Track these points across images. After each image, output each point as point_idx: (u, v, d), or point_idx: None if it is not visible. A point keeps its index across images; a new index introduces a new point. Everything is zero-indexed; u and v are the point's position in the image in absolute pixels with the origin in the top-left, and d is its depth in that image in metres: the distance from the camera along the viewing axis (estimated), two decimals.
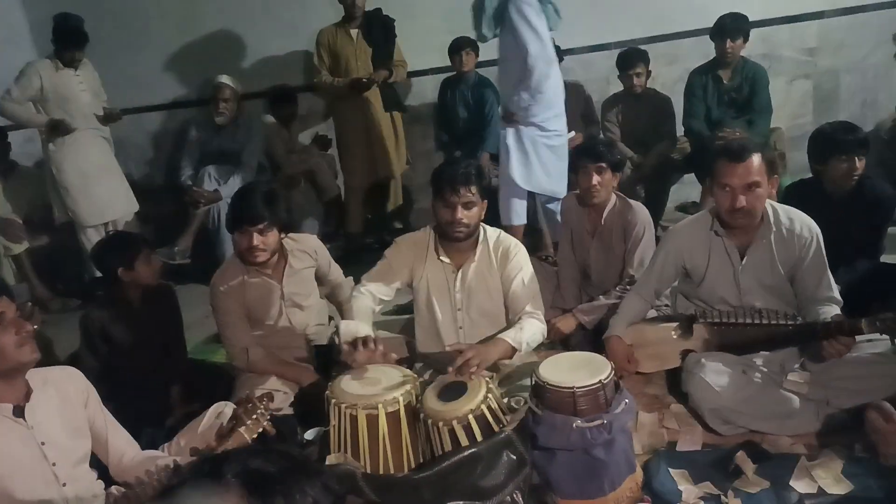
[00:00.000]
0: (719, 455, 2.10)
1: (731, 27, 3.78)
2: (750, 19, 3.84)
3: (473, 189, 2.28)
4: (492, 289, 2.42)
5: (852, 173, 2.65)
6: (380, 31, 4.22)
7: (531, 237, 3.57)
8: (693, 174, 4.12)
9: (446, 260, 2.41)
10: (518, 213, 3.46)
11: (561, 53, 3.90)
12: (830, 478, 1.91)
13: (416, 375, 2.12)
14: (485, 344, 2.22)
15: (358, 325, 2.24)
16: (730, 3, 3.91)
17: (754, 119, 3.80)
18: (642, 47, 4.16)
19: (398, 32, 4.25)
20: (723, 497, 1.91)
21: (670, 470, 2.04)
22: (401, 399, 1.94)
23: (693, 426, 2.26)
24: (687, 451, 2.16)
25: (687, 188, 4.41)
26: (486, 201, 2.38)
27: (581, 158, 2.86)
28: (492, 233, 2.46)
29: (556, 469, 1.87)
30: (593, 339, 2.69)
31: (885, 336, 2.03)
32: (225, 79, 4.35)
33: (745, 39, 3.82)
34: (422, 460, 1.98)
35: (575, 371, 1.92)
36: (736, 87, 3.86)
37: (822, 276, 2.27)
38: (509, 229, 3.11)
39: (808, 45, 4.43)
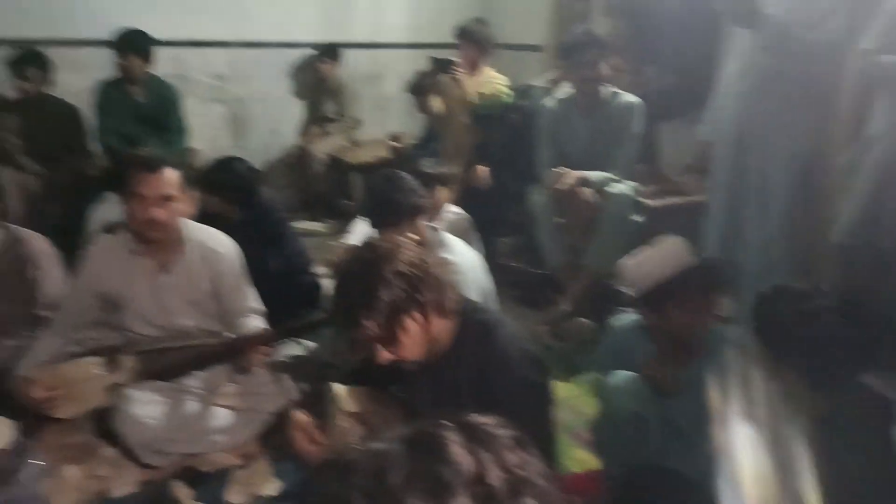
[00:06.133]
0: (157, 490, 1.99)
1: (129, 43, 3.67)
2: (155, 38, 3.81)
3: None
4: None
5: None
6: None
7: None
8: (115, 193, 3.87)
9: None
10: None
11: None
12: (262, 481, 2.03)
13: None
14: None
15: None
16: (134, 19, 3.82)
17: (170, 138, 3.81)
18: (39, 49, 3.69)
19: None
20: None
21: None
22: None
23: (127, 467, 2.08)
24: (123, 496, 1.98)
25: (113, 208, 4.10)
26: None
27: None
28: None
29: None
30: None
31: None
32: None
33: (147, 57, 3.76)
34: None
35: None
36: (148, 103, 3.79)
37: (242, 288, 2.39)
38: None
39: (219, 71, 4.69)
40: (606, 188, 2.99)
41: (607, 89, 3.12)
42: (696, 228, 2.76)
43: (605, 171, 3.05)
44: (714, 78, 2.83)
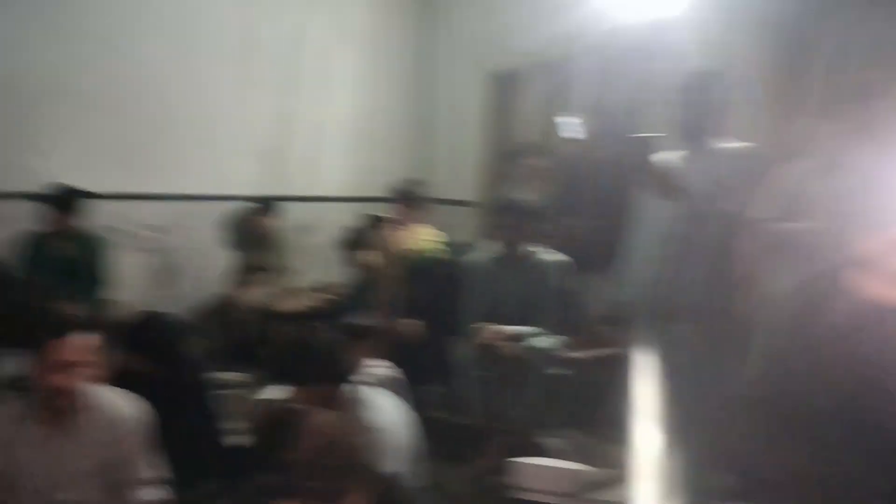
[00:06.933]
0: None
1: (58, 198, 3.73)
2: (86, 192, 3.85)
3: None
4: None
5: None
6: None
7: None
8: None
9: None
10: None
11: None
12: None
13: None
14: None
15: None
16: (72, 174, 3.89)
17: (87, 288, 3.73)
18: None
19: None
20: None
21: None
22: None
23: None
24: None
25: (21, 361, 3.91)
26: None
27: None
28: None
29: None
30: None
31: None
32: None
33: (74, 211, 3.79)
34: None
35: None
36: (75, 255, 3.76)
37: (143, 458, 2.20)
38: None
39: (149, 222, 4.70)
40: (530, 342, 3.05)
41: (530, 247, 3.26)
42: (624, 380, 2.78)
43: (532, 325, 3.12)
44: (623, 238, 2.96)
